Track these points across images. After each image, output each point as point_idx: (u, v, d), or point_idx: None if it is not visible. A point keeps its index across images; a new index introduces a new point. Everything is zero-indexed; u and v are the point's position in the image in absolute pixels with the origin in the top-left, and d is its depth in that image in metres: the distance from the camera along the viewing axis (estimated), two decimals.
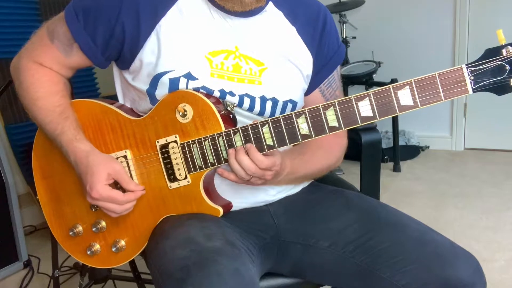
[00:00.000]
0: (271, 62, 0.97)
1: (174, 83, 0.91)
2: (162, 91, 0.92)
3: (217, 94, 0.92)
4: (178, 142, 0.91)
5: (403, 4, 3.61)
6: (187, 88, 0.91)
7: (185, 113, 0.90)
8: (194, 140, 0.90)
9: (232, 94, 0.93)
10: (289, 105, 1.00)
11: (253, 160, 0.85)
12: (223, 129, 0.88)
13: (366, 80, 3.11)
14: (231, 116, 0.92)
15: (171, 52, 0.91)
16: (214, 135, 0.88)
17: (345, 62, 3.29)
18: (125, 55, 0.94)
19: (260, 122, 0.86)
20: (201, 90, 0.92)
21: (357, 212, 0.99)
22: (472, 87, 0.77)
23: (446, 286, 0.83)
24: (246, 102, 0.95)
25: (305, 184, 1.11)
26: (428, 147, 3.65)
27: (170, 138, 0.92)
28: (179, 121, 0.91)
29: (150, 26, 0.91)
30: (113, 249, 0.98)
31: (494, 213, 2.41)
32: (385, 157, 3.28)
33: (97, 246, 1.00)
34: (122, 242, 0.98)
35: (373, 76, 3.13)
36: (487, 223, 2.31)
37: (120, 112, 0.96)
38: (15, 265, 2.03)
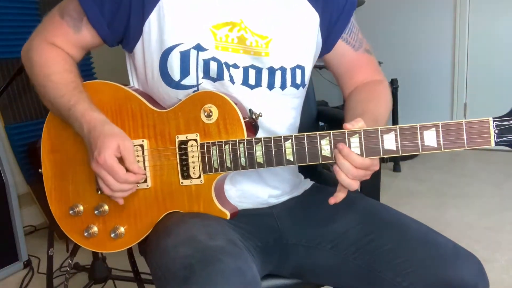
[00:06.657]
0: (276, 32, 0.97)
1: (185, 55, 0.92)
2: (174, 65, 0.92)
3: (221, 66, 0.93)
4: (198, 141, 0.91)
5: (403, 4, 3.61)
6: (197, 60, 0.92)
7: (210, 113, 0.90)
8: (215, 142, 0.89)
9: (235, 66, 0.94)
10: (298, 71, 0.99)
11: (351, 161, 0.82)
12: (246, 136, 0.88)
13: None
14: (254, 124, 0.92)
15: (177, 26, 0.92)
16: (236, 141, 0.88)
17: None
18: (131, 29, 0.94)
19: (284, 136, 0.86)
20: (222, 90, 0.93)
21: (358, 213, 0.98)
22: (495, 140, 0.78)
23: (449, 287, 0.83)
24: (252, 74, 0.95)
25: (307, 186, 1.11)
26: None
27: (191, 136, 0.91)
28: (203, 120, 0.91)
29: (153, 0, 0.92)
30: (112, 235, 0.97)
31: (494, 213, 2.41)
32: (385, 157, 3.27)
33: (95, 229, 0.98)
34: (122, 229, 0.97)
35: None
36: (487, 223, 2.31)
37: (144, 101, 0.96)
38: (15, 265, 2.03)
